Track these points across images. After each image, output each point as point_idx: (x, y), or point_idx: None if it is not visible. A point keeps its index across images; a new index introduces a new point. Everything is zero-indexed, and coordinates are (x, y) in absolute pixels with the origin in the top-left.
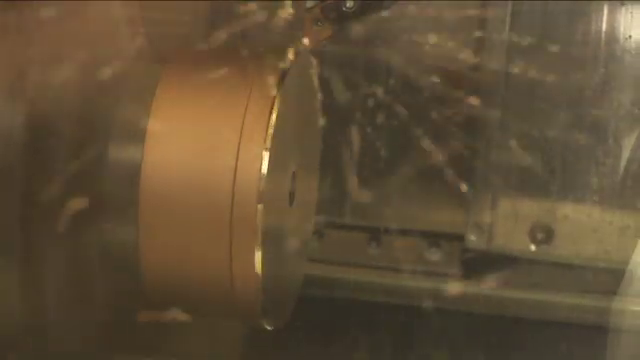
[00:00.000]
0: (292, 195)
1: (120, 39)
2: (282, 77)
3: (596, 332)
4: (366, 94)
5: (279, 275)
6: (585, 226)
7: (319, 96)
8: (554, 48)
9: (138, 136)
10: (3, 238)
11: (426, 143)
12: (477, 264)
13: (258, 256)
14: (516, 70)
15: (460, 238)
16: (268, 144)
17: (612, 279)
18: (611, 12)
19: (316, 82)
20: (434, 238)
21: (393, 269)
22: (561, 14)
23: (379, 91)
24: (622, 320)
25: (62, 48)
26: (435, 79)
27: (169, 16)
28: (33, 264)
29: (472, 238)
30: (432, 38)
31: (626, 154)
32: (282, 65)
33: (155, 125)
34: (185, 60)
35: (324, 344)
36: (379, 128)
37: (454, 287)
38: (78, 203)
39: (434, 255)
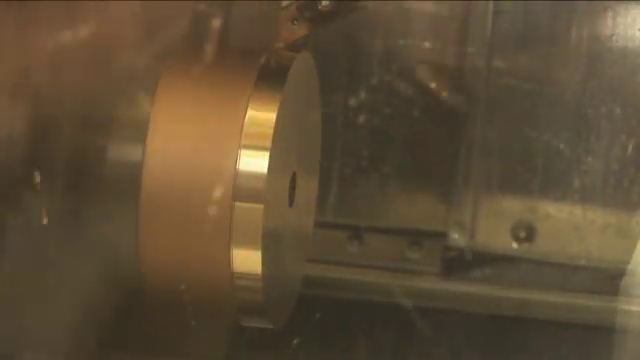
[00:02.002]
0: (292, 195)
1: (120, 39)
2: (283, 77)
3: (595, 332)
4: (346, 92)
5: (279, 275)
6: (567, 224)
7: (319, 96)
8: (536, 47)
9: (139, 136)
10: (3, 236)
11: (408, 141)
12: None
13: (258, 256)
14: (498, 69)
15: (442, 236)
16: (269, 144)
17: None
18: (594, 11)
19: (317, 83)
20: (416, 236)
21: (374, 267)
22: (543, 13)
23: (360, 89)
24: (622, 320)
25: (63, 48)
26: (418, 78)
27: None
28: (33, 264)
29: (454, 236)
30: (415, 37)
31: (608, 153)
32: (283, 66)
33: (155, 125)
34: (186, 60)
35: (306, 342)
36: (361, 126)
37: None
38: (78, 202)
39: (415, 253)
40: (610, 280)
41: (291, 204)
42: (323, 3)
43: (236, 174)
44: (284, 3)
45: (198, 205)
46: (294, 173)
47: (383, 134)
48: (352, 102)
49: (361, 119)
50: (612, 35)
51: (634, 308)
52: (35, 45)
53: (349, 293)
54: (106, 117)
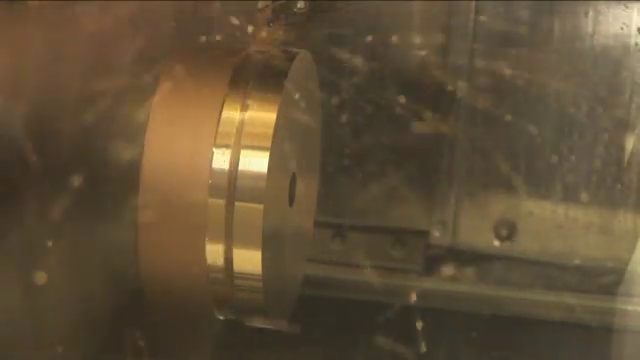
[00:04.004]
0: (292, 195)
1: (120, 39)
2: (283, 77)
3: (594, 332)
4: (329, 90)
5: (279, 275)
6: (549, 223)
7: (319, 97)
8: (518, 46)
9: (138, 136)
10: (3, 237)
11: (391, 139)
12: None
13: (258, 256)
14: (480, 68)
15: (425, 234)
16: (269, 144)
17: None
18: (575, 10)
19: (317, 82)
20: (398, 234)
21: (356, 265)
22: (525, 13)
23: (343, 87)
24: (621, 320)
25: (62, 48)
26: (400, 76)
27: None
28: (33, 264)
29: (436, 234)
30: (397, 36)
31: (591, 151)
32: (283, 65)
33: (155, 125)
34: (185, 59)
35: (285, 340)
36: (344, 124)
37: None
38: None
39: (398, 251)
40: (593, 278)
41: (291, 204)
42: (299, 5)
43: (236, 174)
44: (260, 5)
45: (198, 205)
46: (294, 173)
47: (366, 133)
48: (334, 100)
49: (344, 118)
50: (594, 34)
51: (628, 307)
52: (34, 45)
53: (331, 291)
54: (105, 118)
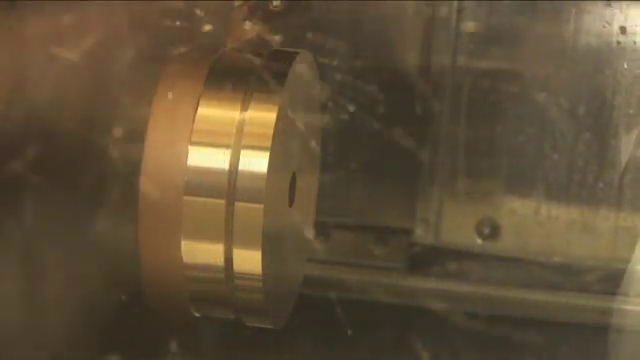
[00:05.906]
0: (292, 195)
1: (121, 39)
2: (283, 77)
3: (594, 332)
4: None
5: (279, 275)
6: (532, 221)
7: (320, 96)
8: (501, 45)
9: (138, 136)
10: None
11: (373, 137)
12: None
13: (258, 256)
14: (463, 67)
15: (408, 232)
16: (269, 144)
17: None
18: (558, 9)
19: (317, 82)
20: (381, 233)
21: (339, 263)
22: (507, 11)
23: (325, 85)
24: (621, 320)
25: (62, 48)
26: (382, 74)
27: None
28: (33, 263)
29: (419, 233)
30: (380, 35)
31: (573, 148)
32: (283, 65)
33: (155, 125)
34: (186, 59)
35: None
36: (327, 123)
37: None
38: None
39: (381, 249)
40: (575, 276)
41: (291, 204)
42: (275, 3)
43: (236, 174)
44: (236, 3)
45: (198, 205)
46: (294, 173)
47: (349, 131)
48: None
49: (327, 116)
50: (577, 32)
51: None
52: (31, 46)
53: (314, 289)
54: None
